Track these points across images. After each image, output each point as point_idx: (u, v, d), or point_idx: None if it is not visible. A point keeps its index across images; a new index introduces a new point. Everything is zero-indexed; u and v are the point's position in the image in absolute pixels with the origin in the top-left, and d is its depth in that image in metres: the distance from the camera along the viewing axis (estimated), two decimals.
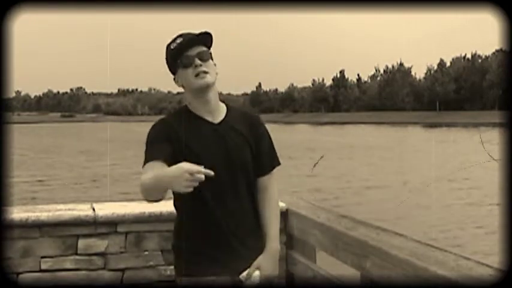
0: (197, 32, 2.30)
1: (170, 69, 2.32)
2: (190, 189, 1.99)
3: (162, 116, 2.43)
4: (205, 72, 2.24)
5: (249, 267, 2.28)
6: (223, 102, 2.39)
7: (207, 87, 2.25)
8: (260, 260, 2.29)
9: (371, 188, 19.04)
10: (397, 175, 22.24)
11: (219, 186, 2.24)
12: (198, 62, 2.23)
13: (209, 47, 2.31)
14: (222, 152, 2.26)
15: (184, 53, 2.25)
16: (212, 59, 2.31)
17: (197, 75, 2.24)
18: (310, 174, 21.10)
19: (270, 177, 2.41)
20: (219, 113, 2.33)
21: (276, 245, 2.35)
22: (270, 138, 2.46)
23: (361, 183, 20.11)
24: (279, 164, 2.46)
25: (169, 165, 2.11)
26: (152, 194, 2.15)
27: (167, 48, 2.30)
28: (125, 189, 16.26)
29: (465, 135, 52.95)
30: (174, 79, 2.32)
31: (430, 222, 13.00)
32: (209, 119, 2.30)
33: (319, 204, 3.57)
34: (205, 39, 2.29)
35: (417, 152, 33.38)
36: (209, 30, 2.29)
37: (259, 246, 2.32)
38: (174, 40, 2.28)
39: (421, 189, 18.43)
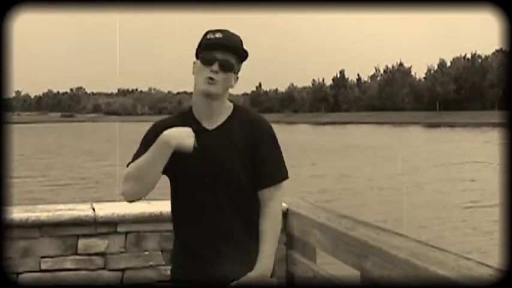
0: (238, 34, 2.24)
1: (196, 52, 2.24)
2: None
3: (163, 117, 2.38)
4: (214, 81, 2.15)
5: (227, 276, 2.14)
6: (235, 106, 2.29)
7: (209, 95, 2.18)
8: (247, 277, 2.13)
9: (376, 188, 18.84)
10: (401, 176, 22.11)
11: (202, 193, 2.18)
12: (215, 68, 2.15)
13: (240, 60, 2.23)
14: (208, 159, 2.17)
15: (213, 51, 2.16)
16: (236, 72, 2.23)
17: (207, 78, 2.15)
18: (313, 175, 20.91)
19: (272, 191, 2.23)
20: (218, 118, 2.23)
21: (267, 262, 2.17)
22: (277, 148, 2.27)
23: (365, 184, 19.97)
24: (283, 177, 2.27)
25: None
26: (146, 175, 2.14)
27: (206, 33, 2.22)
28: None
29: (468, 136, 52.88)
30: (194, 62, 2.25)
31: (441, 224, 12.92)
32: (205, 123, 2.22)
33: (324, 205, 3.56)
34: (240, 52, 2.22)
35: (420, 153, 33.29)
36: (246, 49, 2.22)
37: (243, 258, 2.17)
38: (214, 32, 2.20)
39: (428, 190, 18.36)
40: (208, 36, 2.19)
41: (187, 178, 2.21)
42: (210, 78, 2.15)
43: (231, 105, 2.28)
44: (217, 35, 2.18)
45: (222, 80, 2.17)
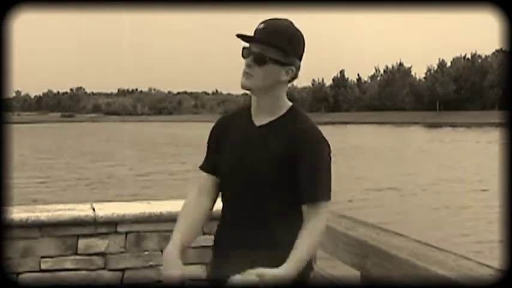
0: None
1: None
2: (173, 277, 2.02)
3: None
4: (249, 75, 2.06)
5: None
6: (292, 107, 2.14)
7: (245, 89, 2.10)
8: (264, 270, 1.91)
9: (382, 190, 18.56)
10: (407, 177, 21.78)
11: (231, 192, 2.14)
12: (249, 61, 2.06)
13: (284, 51, 2.06)
14: (242, 159, 2.10)
15: (251, 43, 2.07)
16: (286, 64, 2.07)
17: (243, 72, 2.08)
18: None
19: (310, 209, 2.02)
20: (267, 116, 2.11)
21: (286, 271, 1.93)
22: (321, 165, 2.05)
23: (370, 185, 19.74)
24: (321, 199, 2.03)
25: (214, 172, 2.19)
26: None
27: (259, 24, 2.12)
28: (130, 192, 16.14)
29: (471, 136, 52.76)
30: None
31: (453, 226, 12.83)
32: (255, 119, 2.13)
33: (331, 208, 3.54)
34: (276, 44, 2.05)
35: (424, 153, 33.13)
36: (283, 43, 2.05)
37: (254, 262, 2.00)
38: (261, 23, 2.08)
39: (435, 192, 18.20)
40: (256, 28, 2.09)
41: (223, 176, 2.18)
42: (244, 72, 2.07)
43: (288, 105, 2.14)
44: (261, 26, 2.07)
45: (259, 74, 2.05)
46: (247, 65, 2.06)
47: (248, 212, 2.09)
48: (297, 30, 2.11)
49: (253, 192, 2.08)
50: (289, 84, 2.19)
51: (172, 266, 2.02)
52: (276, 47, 2.05)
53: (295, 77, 2.13)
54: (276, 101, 2.12)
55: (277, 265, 1.99)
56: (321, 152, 2.07)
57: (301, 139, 2.05)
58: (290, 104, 2.15)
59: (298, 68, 2.12)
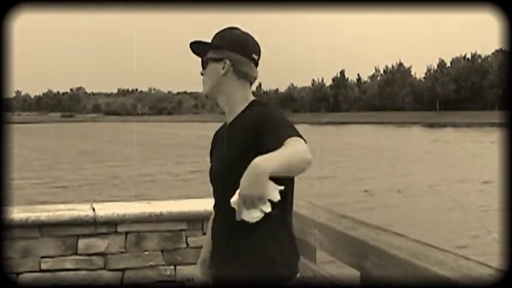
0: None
1: None
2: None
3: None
4: (202, 82, 2.22)
5: (216, 279, 2.21)
6: (253, 101, 2.16)
7: (207, 96, 2.23)
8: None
9: (385, 190, 18.40)
10: (412, 177, 21.57)
11: (217, 191, 2.20)
12: (201, 70, 2.22)
13: (216, 47, 2.15)
14: (214, 159, 2.24)
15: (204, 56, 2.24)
16: (220, 60, 2.14)
17: None
18: (321, 176, 20.38)
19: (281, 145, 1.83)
20: (234, 114, 2.16)
21: (257, 160, 1.73)
22: (277, 121, 1.95)
23: (374, 186, 19.61)
24: (291, 136, 1.86)
25: None
26: None
27: None
28: (131, 193, 16.05)
29: (473, 136, 52.67)
30: None
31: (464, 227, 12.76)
32: (228, 121, 2.20)
33: (337, 209, 3.53)
34: (210, 44, 2.17)
35: (427, 154, 33.04)
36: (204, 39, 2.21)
37: (251, 257, 2.06)
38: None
39: (441, 192, 18.08)
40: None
41: (210, 183, 2.25)
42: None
43: (250, 101, 2.16)
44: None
45: (205, 77, 2.20)
46: (202, 75, 2.22)
47: (226, 211, 2.06)
48: (233, 30, 2.19)
49: (223, 189, 2.09)
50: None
51: (196, 269, 2.45)
52: (209, 47, 2.17)
53: (241, 71, 2.15)
54: (229, 98, 2.17)
55: (254, 264, 2.04)
56: (280, 118, 1.98)
57: (258, 121, 1.99)
58: (252, 99, 2.18)
59: (241, 62, 2.14)
